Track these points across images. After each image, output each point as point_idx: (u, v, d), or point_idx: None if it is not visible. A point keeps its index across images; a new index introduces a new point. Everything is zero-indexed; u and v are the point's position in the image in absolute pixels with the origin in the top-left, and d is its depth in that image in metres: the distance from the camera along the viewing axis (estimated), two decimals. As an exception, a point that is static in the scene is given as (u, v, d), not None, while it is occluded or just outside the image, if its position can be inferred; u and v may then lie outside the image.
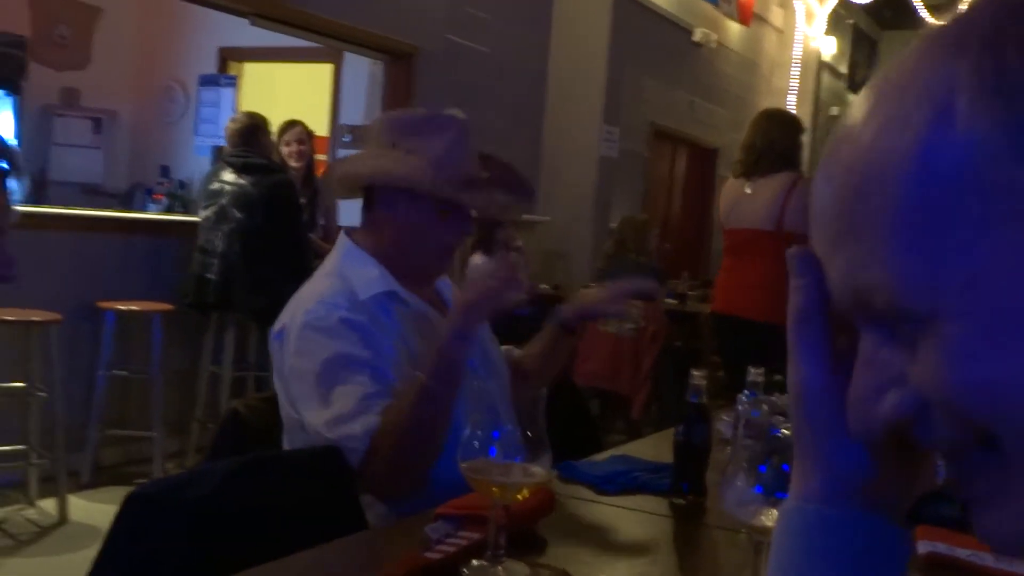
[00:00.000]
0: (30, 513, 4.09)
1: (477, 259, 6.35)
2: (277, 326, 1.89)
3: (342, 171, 2.00)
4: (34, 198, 5.54)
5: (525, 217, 7.13)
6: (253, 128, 4.92)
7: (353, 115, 6.77)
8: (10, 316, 3.92)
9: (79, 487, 4.35)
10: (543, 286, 6.79)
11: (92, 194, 7.07)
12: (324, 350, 1.79)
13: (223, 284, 4.61)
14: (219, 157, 5.10)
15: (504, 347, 2.25)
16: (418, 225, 1.92)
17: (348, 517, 1.67)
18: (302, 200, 5.12)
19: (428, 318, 1.95)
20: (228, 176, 4.76)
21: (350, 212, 7.06)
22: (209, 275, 4.63)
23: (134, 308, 4.50)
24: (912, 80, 0.49)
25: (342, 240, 2.01)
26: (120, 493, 1.51)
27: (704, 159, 10.10)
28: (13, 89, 6.49)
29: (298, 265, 4.56)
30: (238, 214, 4.64)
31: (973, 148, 0.46)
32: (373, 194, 1.95)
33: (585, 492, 1.80)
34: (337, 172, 2.02)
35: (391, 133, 1.94)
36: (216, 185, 4.77)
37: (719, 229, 11.78)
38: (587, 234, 7.55)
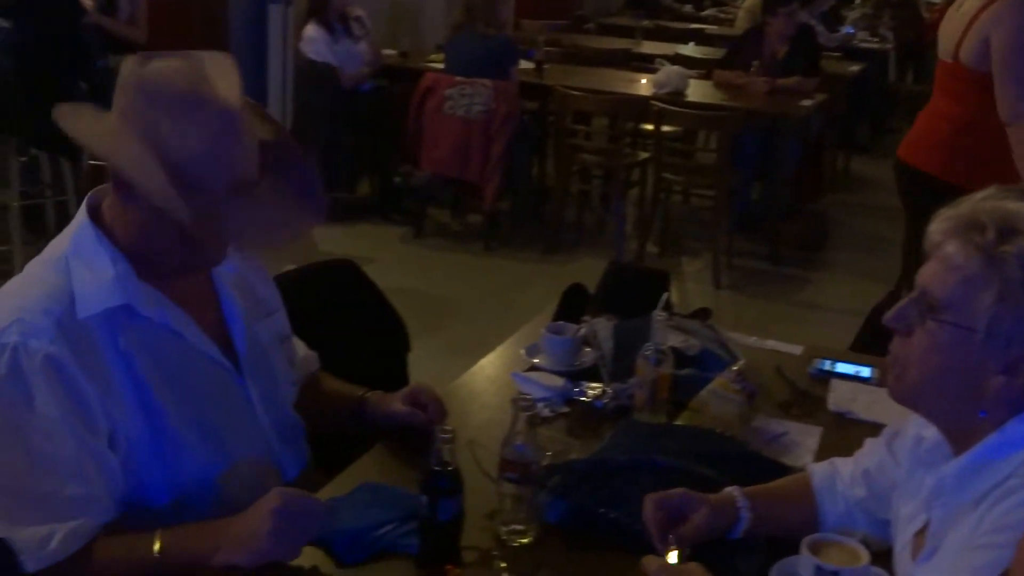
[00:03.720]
0: None
1: (311, 30, 5.70)
2: None
3: (73, 132, 1.42)
4: None
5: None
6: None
7: None
8: None
9: None
10: (388, 52, 6.21)
11: None
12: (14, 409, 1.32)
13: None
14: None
15: (306, 354, 1.82)
16: (163, 223, 1.39)
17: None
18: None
19: (176, 336, 1.47)
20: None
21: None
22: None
23: None
24: None
25: (80, 212, 1.47)
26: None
27: None
28: None
29: (83, 69, 4.05)
30: (4, 24, 3.97)
31: None
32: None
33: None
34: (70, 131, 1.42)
35: (142, 110, 1.37)
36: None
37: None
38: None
